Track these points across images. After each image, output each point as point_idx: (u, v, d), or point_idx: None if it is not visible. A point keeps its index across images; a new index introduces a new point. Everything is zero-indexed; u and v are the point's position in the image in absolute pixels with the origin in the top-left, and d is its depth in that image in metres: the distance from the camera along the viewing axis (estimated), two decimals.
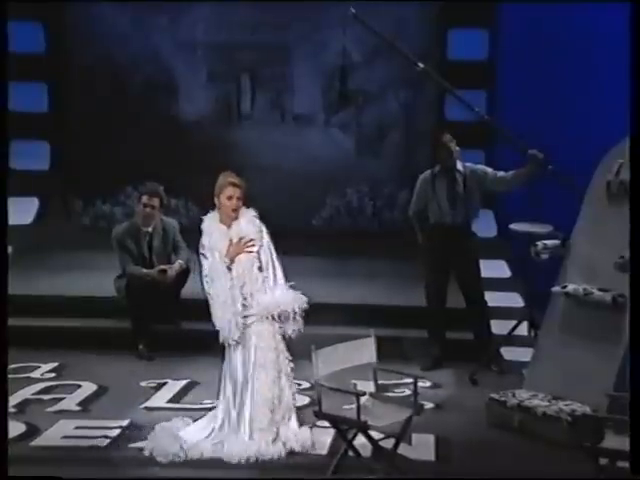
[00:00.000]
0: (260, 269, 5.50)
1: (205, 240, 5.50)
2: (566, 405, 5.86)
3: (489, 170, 7.04)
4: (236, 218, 5.53)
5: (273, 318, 5.49)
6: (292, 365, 5.60)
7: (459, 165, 7.08)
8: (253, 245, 5.45)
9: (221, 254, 5.45)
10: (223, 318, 5.43)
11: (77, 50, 9.90)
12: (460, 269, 7.11)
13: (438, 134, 7.17)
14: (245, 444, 5.37)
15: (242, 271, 5.45)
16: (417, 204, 7.19)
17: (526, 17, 8.62)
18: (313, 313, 7.67)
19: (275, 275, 5.53)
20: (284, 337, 5.57)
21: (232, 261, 5.43)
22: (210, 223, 5.54)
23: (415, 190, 7.24)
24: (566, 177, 6.86)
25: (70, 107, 9.89)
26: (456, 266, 7.10)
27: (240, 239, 5.46)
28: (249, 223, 5.54)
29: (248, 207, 5.62)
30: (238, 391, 5.46)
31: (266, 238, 5.57)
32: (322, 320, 7.59)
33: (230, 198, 5.50)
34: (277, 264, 5.55)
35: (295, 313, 5.50)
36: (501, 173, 6.98)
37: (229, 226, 5.54)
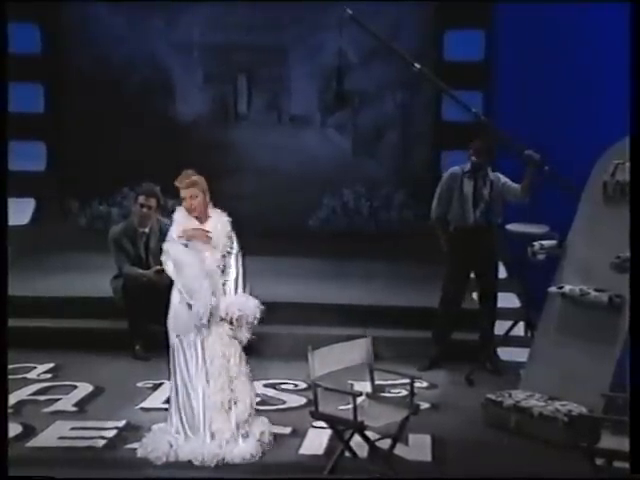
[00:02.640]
0: (222, 272, 5.48)
1: (179, 228, 5.48)
2: (562, 405, 5.86)
3: (508, 180, 7.05)
4: (198, 216, 5.50)
5: (223, 320, 5.44)
6: (247, 368, 5.54)
7: (489, 170, 7.08)
8: (209, 238, 5.41)
9: (193, 244, 5.44)
10: (200, 301, 5.40)
11: (73, 51, 9.91)
12: (481, 271, 7.13)
13: (485, 136, 7.10)
14: (205, 446, 5.35)
15: (209, 268, 5.45)
16: (441, 205, 7.11)
17: (522, 17, 8.62)
18: (310, 313, 7.74)
19: (237, 283, 5.49)
20: (236, 340, 5.50)
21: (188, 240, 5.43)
22: (183, 214, 5.54)
23: (439, 190, 7.13)
24: (562, 178, 6.86)
25: (66, 108, 9.89)
26: (477, 267, 7.11)
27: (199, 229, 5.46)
28: (223, 226, 5.51)
29: (226, 208, 5.61)
30: (191, 393, 5.44)
31: (236, 247, 5.52)
32: (319, 321, 7.62)
33: (184, 199, 5.51)
34: (241, 273, 5.50)
35: (253, 320, 5.46)
36: (515, 185, 7.00)
37: (201, 222, 5.53)
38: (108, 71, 9.91)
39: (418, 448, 5.61)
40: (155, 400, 6.43)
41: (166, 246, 5.54)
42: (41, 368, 7.06)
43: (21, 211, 9.74)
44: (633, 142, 5.07)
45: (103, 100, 9.82)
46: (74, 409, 6.28)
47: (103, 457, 5.51)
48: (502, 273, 8.59)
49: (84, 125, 9.81)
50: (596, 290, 5.98)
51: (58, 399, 6.43)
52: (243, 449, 5.39)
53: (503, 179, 7.08)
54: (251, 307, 5.45)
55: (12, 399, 6.24)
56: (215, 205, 5.62)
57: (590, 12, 7.88)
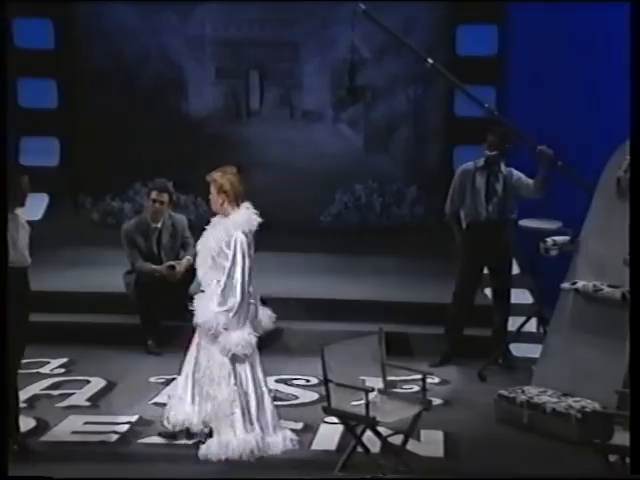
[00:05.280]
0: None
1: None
2: (575, 402, 5.85)
3: (522, 176, 7.03)
4: (220, 212, 5.53)
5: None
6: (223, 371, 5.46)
7: (502, 165, 7.07)
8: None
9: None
10: None
11: (86, 47, 9.92)
12: (494, 266, 7.12)
13: (499, 130, 7.06)
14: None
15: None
16: (454, 202, 7.11)
17: (535, 12, 8.59)
18: (322, 309, 7.74)
19: (223, 290, 5.40)
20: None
21: None
22: None
23: (453, 185, 7.12)
24: (576, 173, 6.84)
25: (80, 103, 9.91)
26: (490, 263, 7.10)
27: None
28: (224, 228, 5.43)
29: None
30: None
31: (232, 252, 5.36)
32: (330, 316, 7.62)
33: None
34: (225, 281, 5.38)
35: (212, 330, 5.42)
36: (529, 180, 6.97)
37: (222, 218, 5.56)
38: (121, 67, 9.92)
39: (430, 444, 5.61)
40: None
41: None
42: (54, 363, 7.08)
43: (34, 206, 9.75)
44: (633, 142, 5.05)
45: (116, 96, 9.84)
46: (87, 404, 6.30)
47: (116, 452, 5.53)
48: (515, 269, 8.58)
49: (97, 121, 9.83)
50: (609, 286, 5.95)
51: (71, 394, 6.45)
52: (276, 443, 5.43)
53: (517, 174, 7.06)
54: (209, 317, 5.37)
55: (26, 394, 6.26)
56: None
57: (601, 9, 7.85)
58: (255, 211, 5.51)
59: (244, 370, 5.45)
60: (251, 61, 10.03)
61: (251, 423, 5.40)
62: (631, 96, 5.22)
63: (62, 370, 6.97)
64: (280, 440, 5.46)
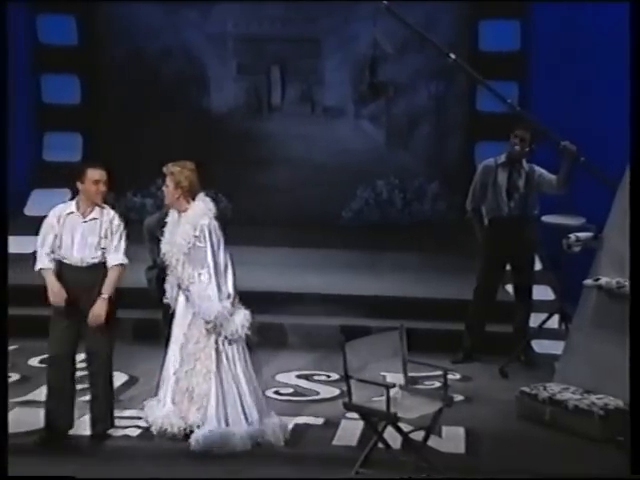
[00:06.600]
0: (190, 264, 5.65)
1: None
2: (598, 399, 5.82)
3: (545, 172, 7.00)
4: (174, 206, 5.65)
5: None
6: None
7: (524, 161, 7.04)
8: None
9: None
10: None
11: (109, 43, 9.96)
12: (516, 263, 7.09)
13: (522, 126, 7.04)
14: None
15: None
16: (475, 198, 7.11)
17: (558, 7, 8.54)
18: (343, 305, 7.74)
19: (210, 279, 5.57)
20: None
21: None
22: None
23: (474, 182, 7.12)
24: (598, 169, 6.80)
25: (102, 99, 9.95)
26: (512, 259, 7.08)
27: None
28: (190, 219, 5.56)
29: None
30: None
31: (207, 241, 5.51)
32: (352, 312, 7.62)
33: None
34: (212, 270, 5.54)
35: (211, 320, 5.55)
36: (552, 176, 6.94)
37: (178, 212, 5.71)
38: (143, 63, 9.95)
39: (452, 440, 5.60)
40: None
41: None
42: (77, 357, 7.10)
43: (56, 202, 9.77)
44: (633, 141, 5.03)
45: (138, 91, 9.87)
46: None
47: (138, 446, 5.55)
48: (537, 265, 8.53)
49: (119, 117, 9.86)
50: None
51: None
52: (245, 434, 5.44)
53: (539, 170, 7.03)
54: (218, 310, 5.45)
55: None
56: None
57: (623, 5, 7.78)
58: (210, 199, 5.63)
59: (230, 363, 5.51)
60: (272, 57, 10.03)
61: (226, 416, 5.43)
62: (631, 96, 5.18)
63: (84, 364, 6.99)
64: (267, 430, 5.47)
